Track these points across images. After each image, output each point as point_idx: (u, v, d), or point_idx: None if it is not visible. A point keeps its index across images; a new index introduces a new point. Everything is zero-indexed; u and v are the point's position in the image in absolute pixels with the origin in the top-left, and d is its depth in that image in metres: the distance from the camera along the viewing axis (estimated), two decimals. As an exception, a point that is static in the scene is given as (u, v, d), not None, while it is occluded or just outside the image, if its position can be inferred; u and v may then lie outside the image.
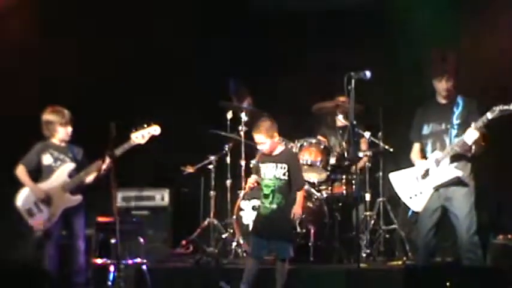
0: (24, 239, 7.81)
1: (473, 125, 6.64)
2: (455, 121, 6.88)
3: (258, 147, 7.10)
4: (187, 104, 9.38)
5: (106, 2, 9.28)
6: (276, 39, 9.54)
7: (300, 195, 6.97)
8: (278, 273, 6.96)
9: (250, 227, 7.74)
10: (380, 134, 8.51)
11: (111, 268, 7.41)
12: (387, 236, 8.40)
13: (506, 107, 6.52)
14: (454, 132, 6.87)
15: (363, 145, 8.75)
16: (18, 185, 7.39)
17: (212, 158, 8.85)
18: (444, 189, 6.86)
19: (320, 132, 8.97)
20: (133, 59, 9.43)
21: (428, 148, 6.99)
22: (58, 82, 8.94)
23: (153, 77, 9.58)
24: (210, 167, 8.86)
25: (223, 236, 8.59)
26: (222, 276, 7.36)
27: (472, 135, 6.64)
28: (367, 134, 8.50)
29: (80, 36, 9.16)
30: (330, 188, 8.58)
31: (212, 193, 8.79)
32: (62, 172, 7.38)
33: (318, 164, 8.38)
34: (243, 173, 8.52)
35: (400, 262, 8.07)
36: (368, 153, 8.54)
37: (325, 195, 8.48)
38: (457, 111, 6.90)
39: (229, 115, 8.75)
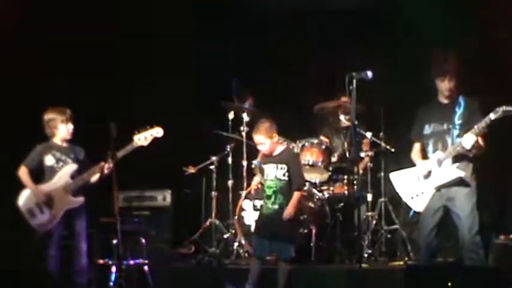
0: (26, 239, 7.82)
1: (475, 127, 6.63)
2: (457, 121, 6.87)
3: (258, 147, 7.11)
4: (189, 105, 9.38)
5: (106, 1, 9.29)
6: (277, 39, 9.54)
7: (295, 196, 6.96)
8: (280, 274, 6.96)
9: (252, 228, 7.76)
10: (381, 134, 8.51)
11: (113, 268, 7.41)
12: (389, 236, 8.40)
13: (509, 108, 6.52)
14: (456, 132, 6.86)
15: (365, 145, 8.74)
16: (18, 186, 7.39)
17: (214, 158, 8.85)
18: (446, 190, 6.85)
19: (322, 133, 8.97)
20: (134, 59, 9.43)
21: (430, 148, 6.98)
22: (58, 82, 8.95)
23: (154, 78, 9.58)
24: (212, 167, 8.85)
25: (225, 236, 8.59)
26: (224, 276, 7.36)
27: (469, 140, 6.63)
28: (368, 134, 8.51)
29: (80, 35, 9.16)
30: (331, 188, 8.58)
31: (214, 193, 8.79)
32: (64, 173, 7.37)
33: (320, 164, 8.38)
34: (244, 174, 8.52)
35: (401, 262, 8.07)
36: (370, 153, 8.54)
37: (326, 195, 8.49)
38: (459, 111, 6.90)
39: (231, 115, 8.75)
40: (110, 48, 9.27)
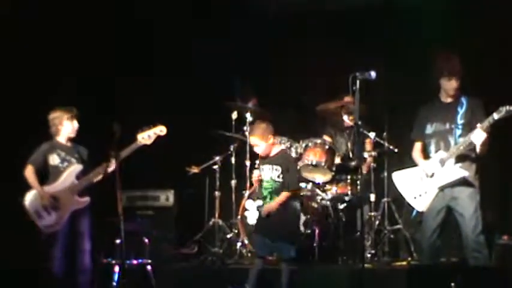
0: (30, 239, 7.83)
1: (479, 125, 6.62)
2: (460, 121, 6.86)
3: (254, 149, 7.13)
4: (192, 104, 9.39)
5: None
6: (279, 39, 9.54)
7: (283, 194, 6.96)
8: (283, 274, 6.96)
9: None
10: (385, 134, 8.50)
11: (116, 268, 7.42)
12: (392, 236, 8.39)
13: None
14: (458, 132, 6.86)
15: (368, 145, 8.73)
16: (21, 184, 7.39)
17: (217, 158, 8.86)
18: (449, 189, 6.84)
19: (325, 133, 8.97)
20: (136, 59, 9.44)
21: (432, 148, 6.97)
22: (58, 82, 8.97)
23: (157, 77, 9.59)
24: (215, 167, 8.86)
25: (228, 236, 8.60)
26: (227, 276, 7.36)
27: (479, 136, 6.62)
28: (372, 135, 8.50)
29: (80, 35, 9.17)
30: (334, 188, 8.58)
31: (217, 193, 8.79)
32: (70, 174, 7.37)
33: (323, 164, 8.37)
34: (248, 173, 8.52)
35: (404, 262, 8.07)
36: (373, 153, 8.53)
37: (329, 195, 8.48)
38: (461, 111, 6.89)
39: (234, 115, 8.76)
40: (112, 48, 9.27)
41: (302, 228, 8.08)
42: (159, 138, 7.32)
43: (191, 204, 9.22)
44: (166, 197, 8.99)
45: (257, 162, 8.23)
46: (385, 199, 8.46)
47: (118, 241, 7.20)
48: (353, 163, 8.43)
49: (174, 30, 9.53)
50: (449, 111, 6.93)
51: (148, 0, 9.56)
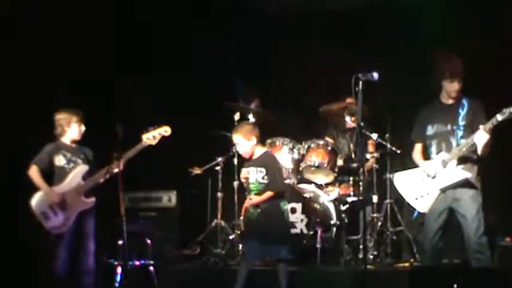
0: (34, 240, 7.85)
1: (481, 127, 6.62)
2: (461, 122, 6.86)
3: (238, 148, 7.15)
4: (195, 105, 9.39)
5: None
6: (282, 40, 9.55)
7: (266, 193, 6.96)
8: (280, 276, 6.97)
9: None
10: (387, 135, 8.50)
11: (118, 269, 7.42)
12: (394, 237, 8.37)
13: None
14: (460, 133, 6.85)
15: (370, 147, 8.73)
16: (26, 184, 7.39)
17: (219, 159, 8.85)
18: (451, 191, 6.84)
19: (328, 134, 8.97)
20: (137, 60, 9.45)
21: (433, 149, 6.96)
22: (63, 82, 8.99)
23: (159, 78, 9.60)
24: (218, 168, 8.86)
25: (231, 237, 8.59)
26: (229, 277, 7.35)
27: (482, 137, 6.62)
28: (374, 136, 8.50)
29: (81, 36, 9.19)
30: (337, 189, 8.58)
31: (219, 194, 8.79)
32: (76, 175, 7.36)
33: (325, 165, 8.39)
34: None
35: (407, 264, 8.06)
36: (375, 154, 8.53)
37: (332, 196, 8.49)
38: (463, 112, 6.89)
39: (237, 116, 8.74)
40: (112, 48, 9.28)
41: (304, 229, 8.10)
42: (163, 138, 7.32)
43: (194, 205, 9.22)
44: (169, 198, 8.99)
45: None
46: (388, 200, 8.45)
47: (120, 242, 7.20)
48: (355, 164, 8.43)
49: (177, 30, 9.53)
50: (450, 113, 6.93)
51: (149, 0, 9.56)
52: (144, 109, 9.11)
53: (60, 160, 7.37)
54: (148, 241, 8.18)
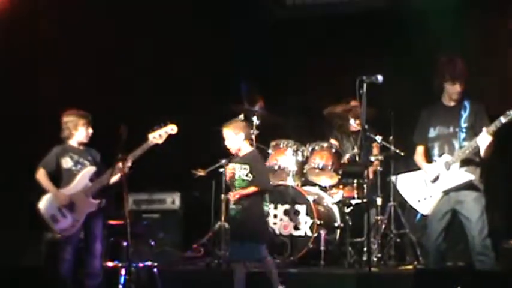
0: (36, 242, 7.86)
1: (485, 129, 6.61)
2: (463, 124, 6.84)
3: (226, 142, 7.16)
4: (198, 107, 9.40)
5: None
6: (287, 42, 9.57)
7: (251, 188, 6.97)
8: (267, 274, 6.98)
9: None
10: (391, 138, 8.50)
11: (122, 271, 7.42)
12: (398, 240, 8.37)
13: None
14: (462, 135, 6.83)
15: (375, 149, 8.73)
16: (30, 184, 7.39)
17: (223, 161, 8.83)
18: (455, 193, 6.83)
19: (332, 136, 8.97)
20: (139, 61, 9.46)
21: (435, 151, 6.94)
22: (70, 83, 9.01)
23: (162, 79, 9.61)
24: (221, 170, 8.85)
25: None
26: (233, 279, 7.34)
27: (485, 139, 6.60)
28: (378, 138, 8.49)
29: (82, 36, 9.21)
30: (341, 191, 8.58)
31: (223, 196, 8.77)
32: (84, 176, 7.34)
33: (330, 167, 8.39)
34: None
35: (411, 266, 8.05)
36: (379, 157, 8.52)
37: (336, 199, 8.48)
38: (465, 114, 6.86)
39: (241, 118, 8.74)
40: (113, 50, 9.30)
41: (308, 232, 8.09)
42: (170, 137, 7.31)
43: (197, 207, 9.23)
44: (173, 200, 9.01)
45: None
46: (392, 203, 8.44)
47: (124, 244, 7.20)
48: (359, 167, 8.43)
49: (179, 31, 9.55)
50: (452, 115, 6.91)
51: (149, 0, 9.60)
52: (148, 110, 9.10)
53: (67, 162, 7.34)
54: (152, 243, 8.18)
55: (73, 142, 7.41)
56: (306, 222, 8.14)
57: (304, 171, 8.53)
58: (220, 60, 9.69)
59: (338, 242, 8.32)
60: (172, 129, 7.29)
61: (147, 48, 9.64)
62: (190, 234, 9.02)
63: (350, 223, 8.35)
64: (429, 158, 6.99)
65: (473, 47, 8.32)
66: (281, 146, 8.57)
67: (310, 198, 8.20)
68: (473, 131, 6.75)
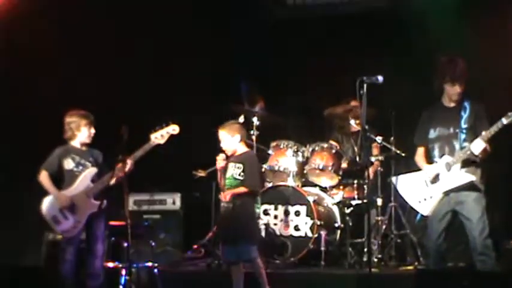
0: (37, 242, 7.86)
1: (483, 133, 6.61)
2: (464, 125, 6.84)
3: (221, 144, 7.18)
4: (199, 108, 9.39)
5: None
6: (287, 42, 9.57)
7: (240, 188, 7.00)
8: (256, 276, 6.98)
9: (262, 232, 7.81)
10: (392, 138, 8.49)
11: (123, 271, 7.41)
12: (398, 240, 8.37)
13: None
14: (463, 136, 6.83)
15: (375, 150, 8.73)
16: (33, 186, 7.40)
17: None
18: (455, 194, 6.83)
19: (332, 137, 8.97)
20: (139, 61, 9.46)
21: (436, 152, 6.94)
22: (72, 83, 9.01)
23: (162, 79, 9.61)
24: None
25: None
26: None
27: (478, 145, 6.62)
28: (379, 139, 8.49)
29: (83, 36, 9.21)
30: (341, 192, 8.58)
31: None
32: (85, 177, 7.33)
33: (330, 168, 8.40)
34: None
35: (411, 267, 8.05)
36: (380, 158, 8.52)
37: (336, 199, 8.49)
38: (465, 115, 6.86)
39: (241, 119, 8.74)
40: (112, 51, 9.30)
41: (309, 232, 8.09)
42: (171, 137, 7.31)
43: (198, 207, 9.23)
44: (173, 201, 9.01)
45: (264, 166, 8.33)
46: (392, 203, 8.44)
47: (125, 244, 7.20)
48: (359, 167, 8.43)
49: (180, 31, 9.55)
50: (452, 116, 6.91)
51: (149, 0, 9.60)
52: (149, 111, 9.10)
53: (69, 164, 7.34)
54: (153, 243, 8.18)
55: (75, 143, 7.40)
56: (306, 223, 8.14)
57: (305, 171, 8.53)
58: (220, 60, 9.68)
59: (338, 243, 8.32)
60: (174, 129, 7.30)
61: (147, 48, 9.63)
62: (190, 234, 9.02)
63: (350, 224, 8.35)
64: (430, 159, 7.00)
65: (473, 47, 8.30)
66: (281, 146, 8.57)
67: (311, 199, 8.19)
68: (473, 132, 6.76)
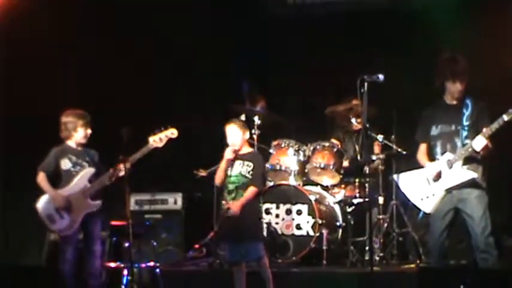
0: (39, 241, 7.85)
1: (484, 130, 6.61)
2: (465, 122, 6.83)
3: (229, 139, 7.13)
4: (200, 107, 9.39)
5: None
6: (287, 41, 9.56)
7: (250, 190, 6.97)
8: (262, 275, 6.96)
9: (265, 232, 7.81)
10: (393, 137, 8.49)
11: (125, 271, 7.42)
12: (400, 239, 8.37)
13: None
14: (464, 133, 6.83)
15: (376, 148, 8.72)
16: (32, 185, 7.40)
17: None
18: (457, 191, 6.83)
19: (334, 135, 8.97)
20: (140, 62, 9.46)
21: (438, 149, 6.94)
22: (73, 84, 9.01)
23: (163, 80, 9.60)
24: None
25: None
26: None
27: (480, 142, 6.62)
28: (380, 137, 8.49)
29: (83, 36, 9.21)
30: (343, 191, 8.58)
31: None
32: (82, 177, 7.35)
33: (331, 167, 8.40)
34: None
35: (413, 265, 8.05)
36: (381, 156, 8.52)
37: (338, 198, 8.48)
38: (467, 113, 6.86)
39: (242, 118, 8.74)
40: (112, 51, 9.30)
41: (310, 231, 8.09)
42: (170, 141, 7.31)
43: (199, 207, 9.22)
44: (175, 200, 9.01)
45: (267, 165, 8.31)
46: (394, 202, 8.43)
47: (126, 244, 7.20)
48: (361, 166, 8.43)
49: (181, 31, 9.54)
50: (454, 113, 6.91)
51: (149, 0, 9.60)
52: (150, 112, 9.10)
53: (66, 164, 7.35)
54: (154, 243, 8.18)
55: (72, 143, 7.42)
56: (308, 222, 8.14)
57: (306, 170, 8.53)
58: (220, 60, 9.68)
59: (340, 242, 8.33)
60: (172, 133, 7.30)
61: (147, 48, 9.63)
62: (192, 234, 9.00)
63: (352, 222, 8.36)
64: (431, 156, 6.99)
65: (473, 47, 8.30)
66: (282, 145, 8.57)
67: (312, 198, 8.19)
68: (475, 129, 6.75)
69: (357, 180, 8.50)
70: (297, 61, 9.59)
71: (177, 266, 8.43)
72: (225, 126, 7.19)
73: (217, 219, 8.43)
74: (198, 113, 9.37)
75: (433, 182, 6.92)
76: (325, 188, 8.61)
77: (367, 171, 8.44)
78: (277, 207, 8.24)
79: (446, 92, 6.96)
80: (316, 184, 8.64)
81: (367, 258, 8.02)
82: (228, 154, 7.09)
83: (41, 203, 7.30)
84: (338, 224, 8.35)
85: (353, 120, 8.70)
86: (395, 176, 7.51)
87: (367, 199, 8.31)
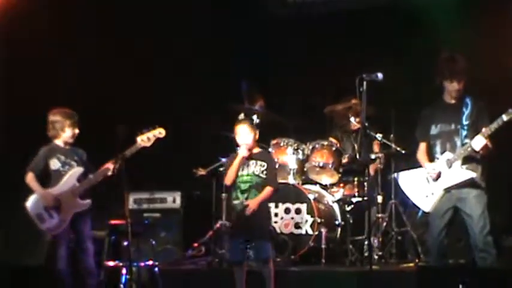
0: (38, 240, 7.85)
1: (484, 129, 6.61)
2: (465, 121, 6.83)
3: (241, 139, 7.10)
4: (199, 106, 9.40)
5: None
6: (287, 40, 9.57)
7: (267, 190, 6.98)
8: (264, 276, 6.94)
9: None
10: (392, 136, 8.50)
11: (123, 270, 7.42)
12: (399, 238, 8.36)
13: None
14: (464, 133, 6.83)
15: (375, 147, 8.73)
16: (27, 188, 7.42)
17: (224, 160, 8.83)
18: (456, 191, 6.82)
19: (333, 134, 8.97)
20: (139, 62, 9.47)
21: (437, 149, 6.94)
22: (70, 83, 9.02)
23: (163, 78, 9.61)
24: (222, 169, 8.84)
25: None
26: (233, 278, 7.36)
27: (479, 142, 6.62)
28: (379, 136, 8.49)
29: (82, 36, 9.22)
30: (341, 190, 8.58)
31: (224, 195, 8.76)
32: (71, 177, 7.36)
33: (330, 166, 8.40)
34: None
35: (412, 264, 8.04)
36: (380, 155, 8.52)
37: (337, 197, 8.48)
38: (466, 112, 6.86)
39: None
40: (112, 51, 9.31)
41: (309, 230, 8.09)
42: (158, 140, 7.30)
43: (198, 206, 9.22)
44: (173, 199, 9.01)
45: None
46: (392, 201, 8.43)
47: (125, 243, 7.21)
48: (359, 165, 8.43)
49: (181, 30, 9.55)
50: (454, 112, 6.91)
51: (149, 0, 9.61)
52: (148, 109, 9.11)
53: (55, 164, 7.37)
54: (153, 242, 8.18)
55: (59, 142, 7.46)
56: (306, 221, 8.14)
57: (305, 169, 8.54)
58: (220, 60, 9.69)
59: (339, 240, 8.32)
60: (160, 132, 7.29)
61: (147, 48, 9.64)
62: (191, 233, 9.00)
63: (351, 221, 8.35)
64: (431, 156, 6.99)
65: (473, 47, 8.30)
66: (281, 144, 8.57)
67: (311, 197, 8.19)
68: (475, 128, 6.75)
69: (355, 179, 8.50)
70: (297, 61, 9.61)
71: (176, 264, 8.43)
72: (236, 126, 7.19)
73: (227, 217, 8.48)
74: (198, 113, 9.38)
75: (432, 181, 6.92)
76: (324, 187, 8.61)
77: (367, 171, 8.44)
78: (276, 206, 8.23)
79: (446, 91, 6.96)
80: (315, 183, 8.64)
81: (366, 256, 8.01)
82: (243, 152, 7.07)
83: (30, 202, 7.34)
84: (337, 222, 8.34)
85: (352, 119, 8.71)
86: (395, 175, 7.52)
87: (366, 198, 8.31)
